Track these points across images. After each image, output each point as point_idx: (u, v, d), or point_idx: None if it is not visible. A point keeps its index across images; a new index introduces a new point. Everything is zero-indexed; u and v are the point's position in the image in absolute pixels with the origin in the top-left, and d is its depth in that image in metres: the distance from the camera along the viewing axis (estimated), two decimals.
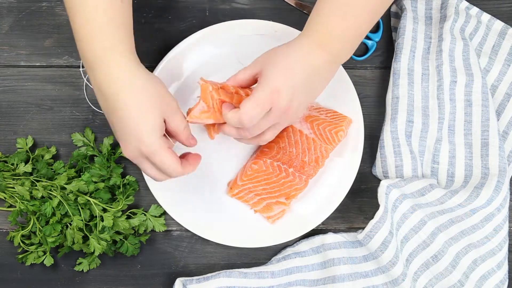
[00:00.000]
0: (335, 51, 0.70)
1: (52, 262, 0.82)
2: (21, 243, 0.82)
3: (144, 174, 0.76)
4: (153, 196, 0.83)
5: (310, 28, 0.70)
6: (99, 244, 0.80)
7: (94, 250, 0.80)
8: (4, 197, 0.82)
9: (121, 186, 0.83)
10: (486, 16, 0.88)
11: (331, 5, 0.68)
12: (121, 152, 0.84)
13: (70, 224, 0.81)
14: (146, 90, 0.67)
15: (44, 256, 0.81)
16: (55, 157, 0.86)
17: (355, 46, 0.72)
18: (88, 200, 0.81)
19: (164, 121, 0.68)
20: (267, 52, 0.71)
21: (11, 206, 0.84)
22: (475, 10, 0.88)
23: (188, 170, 0.70)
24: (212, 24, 0.83)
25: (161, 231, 0.84)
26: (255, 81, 0.72)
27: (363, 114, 0.85)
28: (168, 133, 0.71)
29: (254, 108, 0.67)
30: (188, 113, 0.73)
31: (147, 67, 0.87)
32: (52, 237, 0.80)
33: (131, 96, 0.66)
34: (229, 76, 0.77)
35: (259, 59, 0.71)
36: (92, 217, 0.82)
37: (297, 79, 0.68)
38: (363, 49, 0.90)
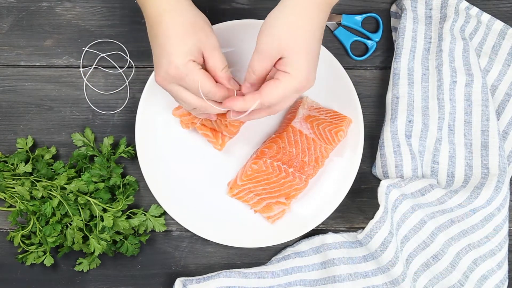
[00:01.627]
0: (329, 6, 0.68)
1: (52, 262, 0.82)
2: (21, 243, 0.82)
3: (184, 105, 0.73)
4: (153, 196, 0.83)
5: None
6: (99, 244, 0.80)
7: (94, 250, 0.80)
8: (4, 197, 0.82)
9: (121, 186, 0.83)
10: (486, 16, 0.88)
11: None
12: (121, 152, 0.84)
13: (70, 224, 0.81)
14: (187, 18, 0.68)
15: (44, 256, 0.81)
16: (55, 157, 0.86)
17: None
18: (88, 200, 0.81)
19: (203, 57, 0.69)
20: (275, 33, 0.66)
21: (11, 206, 0.84)
22: (475, 10, 0.88)
23: (223, 91, 0.69)
24: (212, 24, 0.83)
25: (161, 231, 0.84)
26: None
27: (363, 114, 0.85)
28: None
29: (281, 98, 0.67)
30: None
31: (147, 67, 0.87)
32: (52, 237, 0.80)
33: (171, 21, 0.67)
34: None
35: (268, 45, 0.66)
36: (92, 217, 0.82)
37: (315, 52, 0.67)
38: (363, 49, 0.90)
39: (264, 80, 0.69)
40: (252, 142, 0.86)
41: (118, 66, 0.87)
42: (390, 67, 0.88)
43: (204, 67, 0.70)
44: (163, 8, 0.68)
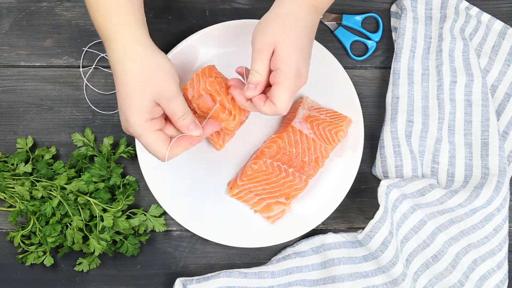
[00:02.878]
0: (321, 4, 0.70)
1: (52, 262, 0.82)
2: (21, 243, 0.82)
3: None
4: (153, 196, 0.83)
5: None
6: (99, 244, 0.80)
7: (94, 250, 0.80)
8: (4, 197, 0.82)
9: (121, 186, 0.83)
10: (486, 16, 0.88)
11: None
12: (121, 152, 0.84)
13: (70, 224, 0.81)
14: (139, 72, 0.66)
15: (44, 256, 0.81)
16: (55, 157, 0.86)
17: None
18: (88, 200, 0.81)
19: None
20: (268, 30, 0.68)
21: (11, 206, 0.84)
22: (475, 10, 0.88)
23: (175, 152, 0.69)
24: (212, 24, 0.83)
25: (161, 231, 0.84)
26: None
27: (363, 114, 0.85)
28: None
29: (290, 99, 0.68)
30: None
31: None
32: (52, 237, 0.80)
33: (124, 77, 0.67)
34: (229, 76, 0.77)
35: (263, 42, 0.68)
36: (92, 217, 0.82)
37: (306, 48, 0.68)
38: (363, 49, 0.90)
39: (268, 79, 0.69)
40: (252, 142, 0.86)
41: None
42: (390, 67, 0.88)
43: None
44: (118, 56, 0.67)
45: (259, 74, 0.68)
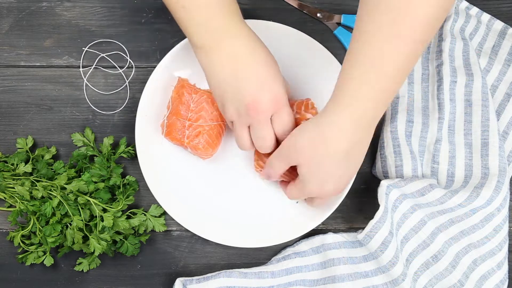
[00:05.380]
0: (370, 120, 0.66)
1: (52, 262, 0.82)
2: (21, 243, 0.82)
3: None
4: (153, 196, 0.83)
5: (340, 101, 0.64)
6: (99, 244, 0.80)
7: (94, 250, 0.80)
8: (4, 197, 0.82)
9: (121, 186, 0.83)
10: (486, 16, 0.88)
11: (361, 68, 0.62)
12: (121, 152, 0.84)
13: (70, 224, 0.81)
14: (271, 59, 0.71)
15: (44, 256, 0.81)
16: (55, 157, 0.86)
17: (387, 104, 0.67)
18: (88, 200, 0.81)
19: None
20: (301, 145, 0.68)
21: (11, 206, 0.84)
22: (475, 10, 0.88)
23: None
24: None
25: (161, 231, 0.84)
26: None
27: None
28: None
29: (296, 195, 0.75)
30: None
31: (147, 67, 0.87)
32: (52, 237, 0.80)
33: (261, 58, 0.69)
34: None
35: (292, 154, 0.69)
36: (92, 217, 0.82)
37: (335, 174, 0.69)
38: None
39: (279, 175, 0.75)
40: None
41: (118, 66, 0.87)
42: None
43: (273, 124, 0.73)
44: (243, 41, 0.70)
45: (271, 169, 0.74)
